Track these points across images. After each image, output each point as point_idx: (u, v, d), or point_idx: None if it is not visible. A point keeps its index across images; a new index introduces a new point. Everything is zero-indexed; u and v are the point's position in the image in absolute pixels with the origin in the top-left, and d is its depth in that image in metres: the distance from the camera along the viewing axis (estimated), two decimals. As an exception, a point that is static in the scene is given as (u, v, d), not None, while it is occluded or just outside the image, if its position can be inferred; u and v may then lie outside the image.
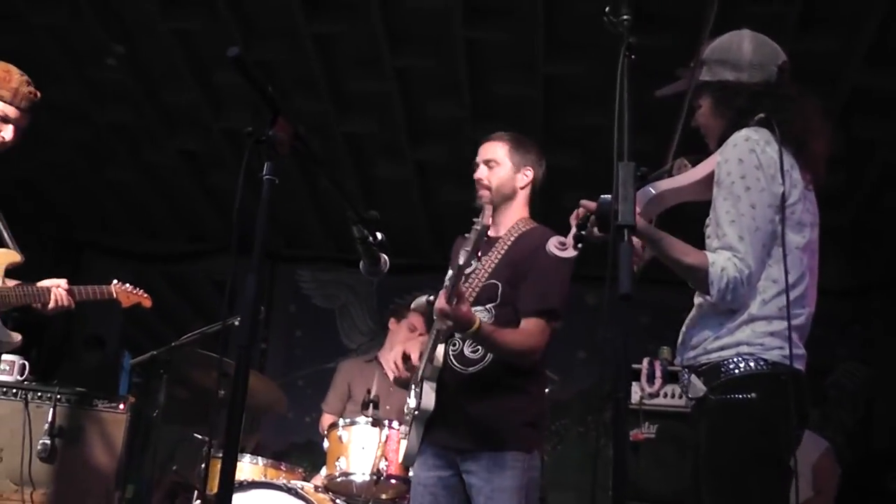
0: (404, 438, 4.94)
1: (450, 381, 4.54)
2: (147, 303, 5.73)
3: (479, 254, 4.47)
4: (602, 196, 3.19)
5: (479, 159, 4.90)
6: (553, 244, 3.45)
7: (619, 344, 2.55)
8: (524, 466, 4.45)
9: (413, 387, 4.68)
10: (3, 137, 4.94)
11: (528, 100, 7.98)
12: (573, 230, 3.42)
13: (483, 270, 4.65)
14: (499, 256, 4.67)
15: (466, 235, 4.29)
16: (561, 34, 7.28)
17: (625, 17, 2.92)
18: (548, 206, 9.08)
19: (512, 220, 4.79)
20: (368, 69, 7.98)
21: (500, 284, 4.57)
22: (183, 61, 8.03)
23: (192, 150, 9.49)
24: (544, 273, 4.53)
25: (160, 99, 8.74)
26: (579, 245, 3.41)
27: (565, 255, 3.43)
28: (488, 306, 4.57)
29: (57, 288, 5.10)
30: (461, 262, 4.10)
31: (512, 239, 4.72)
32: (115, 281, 5.54)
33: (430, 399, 4.49)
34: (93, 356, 10.59)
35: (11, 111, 4.92)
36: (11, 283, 5.01)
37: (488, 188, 4.80)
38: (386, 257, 3.74)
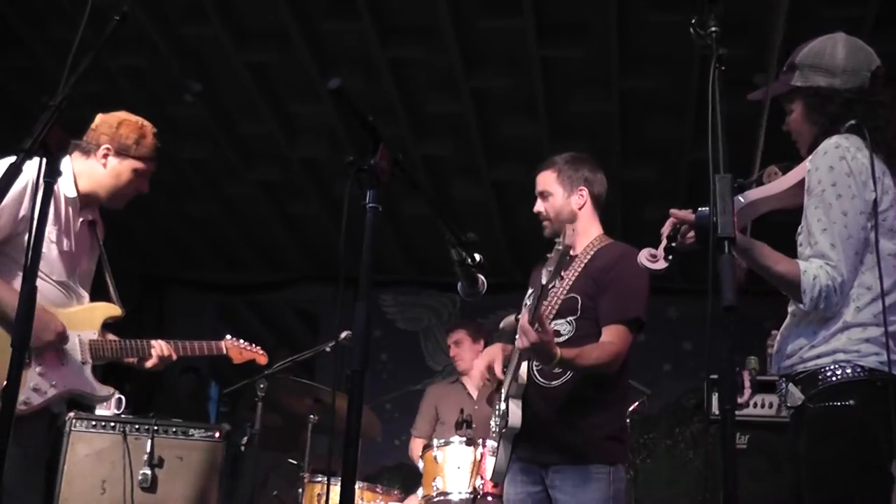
0: (491, 455, 4.97)
1: (534, 396, 4.57)
2: (263, 360, 5.55)
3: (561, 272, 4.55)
4: (700, 209, 3.20)
5: (536, 191, 4.95)
6: (644, 256, 3.47)
7: (726, 356, 2.56)
8: (609, 479, 4.48)
9: (497, 404, 4.73)
10: (142, 190, 4.97)
11: (604, 115, 7.98)
12: (663, 242, 3.44)
13: (562, 287, 4.68)
14: (577, 272, 4.70)
15: (546, 261, 4.33)
16: (635, 49, 7.29)
17: (713, 29, 2.92)
18: (628, 219, 9.16)
19: (587, 237, 4.82)
20: (444, 91, 8.04)
21: (579, 298, 4.60)
22: (259, 94, 8.13)
23: (270, 181, 9.60)
24: (624, 283, 4.57)
25: (237, 132, 8.85)
26: (670, 256, 3.43)
27: (656, 266, 3.45)
28: (569, 318, 4.61)
29: (159, 342, 4.90)
30: (543, 281, 4.14)
31: (590, 255, 4.75)
32: (227, 336, 5.47)
33: (516, 417, 4.52)
34: (186, 384, 10.72)
35: (152, 165, 4.94)
36: (108, 336, 4.86)
37: (548, 219, 4.86)
38: (483, 279, 3.77)
